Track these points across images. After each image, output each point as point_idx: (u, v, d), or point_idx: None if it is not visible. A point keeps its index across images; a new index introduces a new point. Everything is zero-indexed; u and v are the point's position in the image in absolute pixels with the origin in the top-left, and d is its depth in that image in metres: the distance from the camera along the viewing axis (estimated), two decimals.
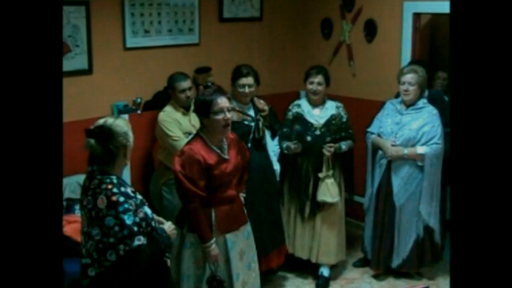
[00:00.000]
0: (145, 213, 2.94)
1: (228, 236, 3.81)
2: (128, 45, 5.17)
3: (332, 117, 4.87)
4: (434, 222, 4.90)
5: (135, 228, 2.81)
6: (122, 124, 2.97)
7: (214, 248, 3.70)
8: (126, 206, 2.81)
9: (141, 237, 2.84)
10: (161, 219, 3.23)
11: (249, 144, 4.53)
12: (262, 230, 4.59)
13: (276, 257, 4.80)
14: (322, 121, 4.86)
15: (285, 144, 4.83)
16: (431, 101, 5.06)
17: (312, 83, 4.87)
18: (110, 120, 2.97)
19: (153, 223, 2.99)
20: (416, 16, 5.48)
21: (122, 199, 2.82)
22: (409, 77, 4.75)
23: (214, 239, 3.71)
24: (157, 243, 2.98)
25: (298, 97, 5.72)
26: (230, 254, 3.81)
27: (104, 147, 2.89)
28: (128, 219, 2.79)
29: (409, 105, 4.82)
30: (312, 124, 4.85)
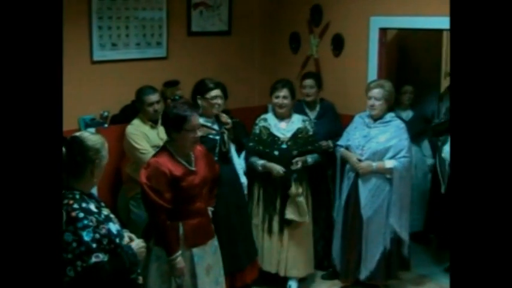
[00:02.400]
0: (109, 230, 2.88)
1: (195, 250, 3.80)
2: (95, 58, 5.15)
3: (298, 131, 4.91)
4: (405, 235, 4.95)
5: (94, 245, 2.76)
6: (95, 140, 2.93)
7: (179, 261, 3.68)
8: (85, 222, 2.77)
9: (100, 254, 2.78)
10: (133, 236, 3.16)
11: (216, 158, 4.54)
12: (236, 245, 4.61)
13: (250, 271, 4.80)
14: (288, 134, 4.89)
15: (261, 162, 4.86)
16: (323, 112, 5.31)
17: (277, 96, 4.91)
18: (85, 134, 2.96)
19: (117, 240, 2.93)
20: (383, 31, 5.56)
21: (81, 215, 2.78)
22: (375, 92, 4.81)
23: (179, 252, 3.69)
24: (120, 260, 2.90)
25: (266, 111, 5.75)
26: (197, 268, 3.79)
27: (71, 157, 2.86)
28: (86, 236, 2.75)
29: (376, 118, 4.87)
30: (278, 138, 4.88)
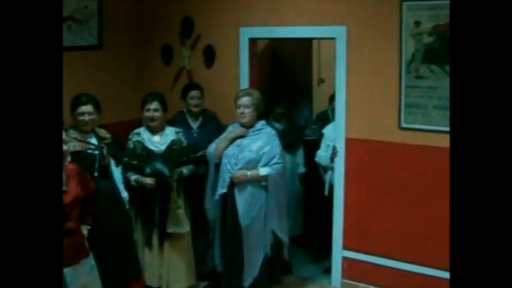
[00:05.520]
0: None
1: (67, 270, 3.68)
2: None
3: (172, 143, 4.92)
4: (286, 239, 5.04)
5: None
6: None
7: None
8: None
9: None
10: None
11: (96, 173, 4.47)
12: (120, 260, 4.57)
13: (136, 286, 4.79)
14: (163, 147, 4.89)
15: (134, 176, 4.81)
16: (206, 121, 5.49)
17: (148, 110, 4.91)
18: None
19: None
20: (253, 41, 5.67)
21: None
22: (244, 100, 4.89)
23: None
24: None
25: (140, 124, 5.70)
26: None
27: None
28: None
29: (248, 127, 4.94)
30: (153, 151, 4.86)
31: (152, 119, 4.90)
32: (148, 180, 4.75)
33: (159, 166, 4.74)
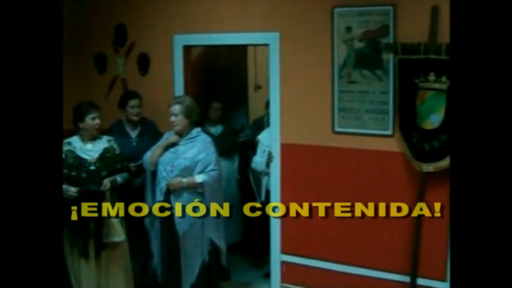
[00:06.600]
0: None
1: None
2: None
3: (105, 151, 4.88)
4: (223, 245, 5.04)
5: None
6: None
7: None
8: None
9: None
10: None
11: None
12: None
13: None
14: (95, 155, 4.84)
15: (63, 187, 4.73)
16: (145, 130, 5.49)
17: (94, 118, 4.86)
18: None
19: None
20: (187, 49, 5.66)
21: None
22: (173, 109, 4.90)
23: None
24: None
25: (75, 133, 5.61)
26: None
27: None
28: None
29: (181, 135, 4.93)
30: (85, 160, 4.80)
31: (95, 127, 4.88)
32: (72, 192, 4.70)
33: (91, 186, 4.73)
